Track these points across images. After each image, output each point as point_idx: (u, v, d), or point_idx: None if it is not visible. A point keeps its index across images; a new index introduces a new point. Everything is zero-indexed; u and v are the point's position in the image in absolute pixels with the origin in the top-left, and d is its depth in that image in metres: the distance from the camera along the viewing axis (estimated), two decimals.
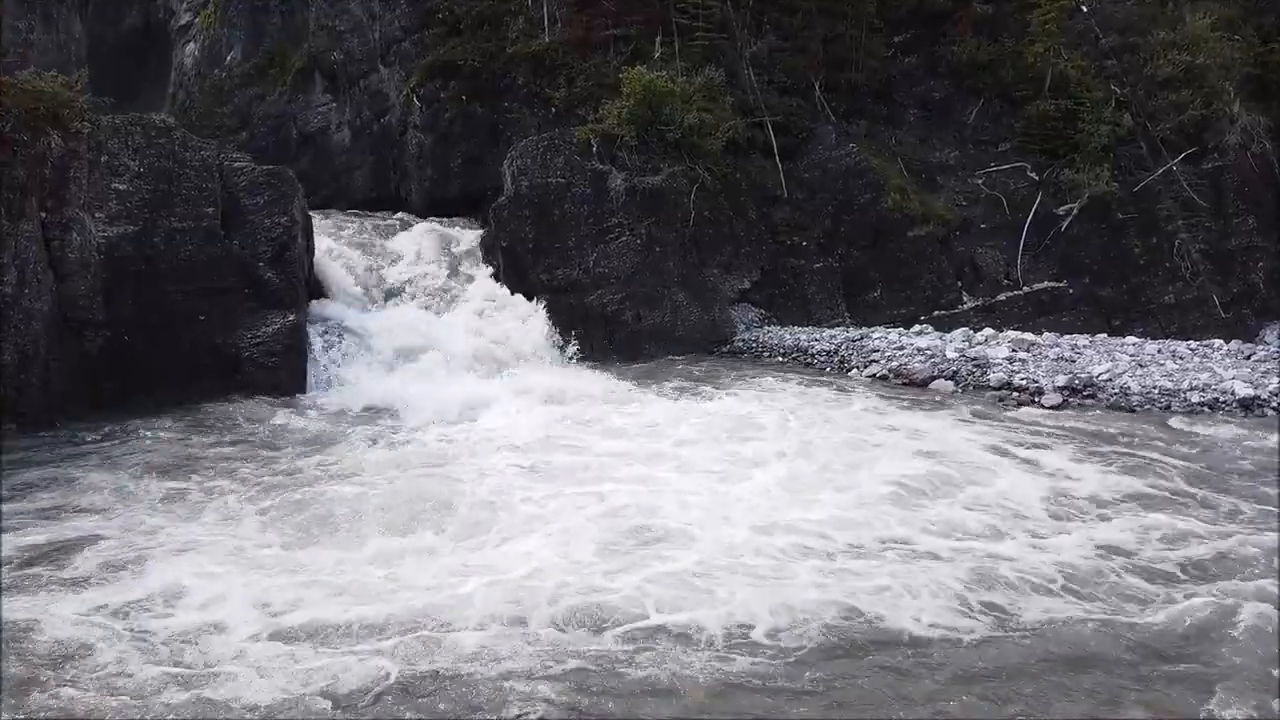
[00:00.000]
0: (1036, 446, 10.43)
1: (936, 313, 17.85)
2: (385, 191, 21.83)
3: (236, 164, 14.39)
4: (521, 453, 9.56)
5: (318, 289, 15.24)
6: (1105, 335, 15.90)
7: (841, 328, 16.92)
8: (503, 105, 19.70)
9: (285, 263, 13.87)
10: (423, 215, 20.00)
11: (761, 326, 17.20)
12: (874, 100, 20.45)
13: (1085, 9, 20.97)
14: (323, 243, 15.93)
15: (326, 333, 13.95)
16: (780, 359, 15.82)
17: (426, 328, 14.46)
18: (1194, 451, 10.51)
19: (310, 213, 18.86)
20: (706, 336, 16.70)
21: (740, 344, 16.61)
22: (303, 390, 13.06)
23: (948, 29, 20.91)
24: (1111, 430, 11.30)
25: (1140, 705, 5.23)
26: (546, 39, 19.53)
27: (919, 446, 9.98)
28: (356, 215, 19.42)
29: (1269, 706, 5.21)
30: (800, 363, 15.52)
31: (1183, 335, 17.17)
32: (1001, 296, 17.98)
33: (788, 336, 16.31)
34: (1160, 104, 18.80)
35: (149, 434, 10.59)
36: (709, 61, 18.83)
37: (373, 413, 11.84)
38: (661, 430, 10.44)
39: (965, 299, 18.09)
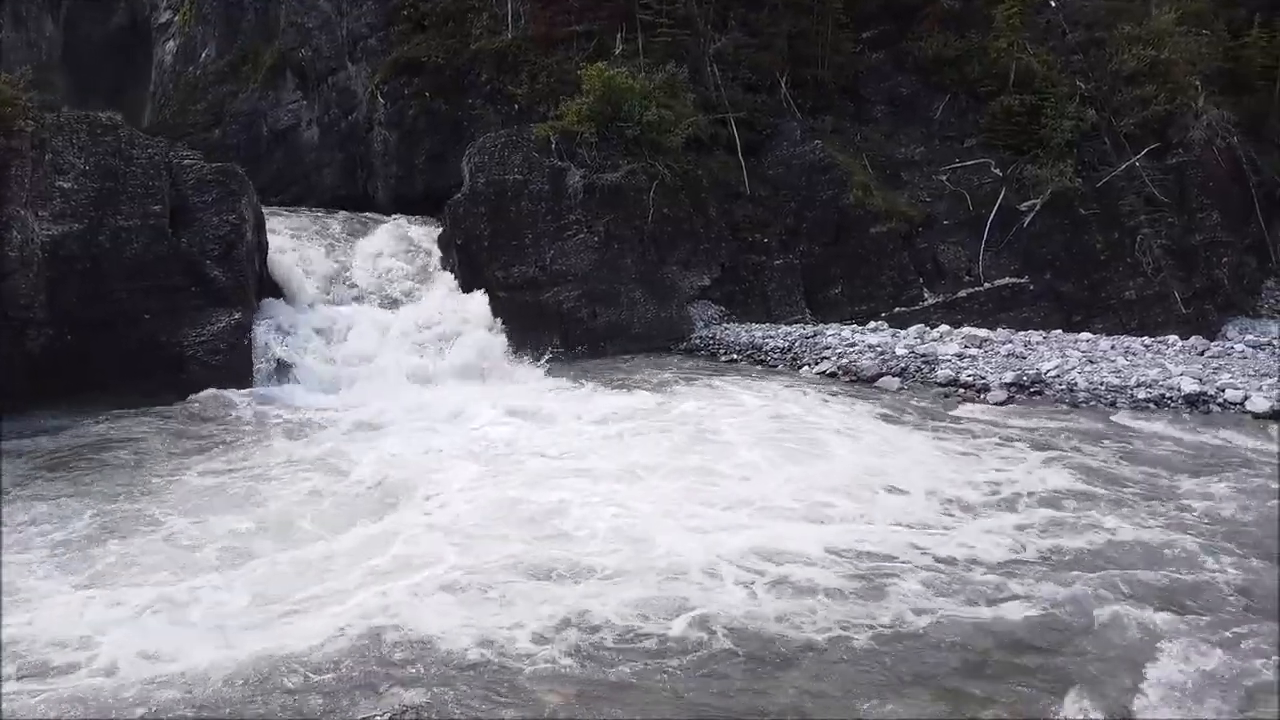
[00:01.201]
0: (942, 438, 10.45)
1: (898, 309, 17.82)
2: (353, 189, 21.81)
3: (185, 161, 14.37)
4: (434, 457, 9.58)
5: (271, 287, 15.23)
6: (1060, 331, 15.88)
7: (799, 325, 16.88)
8: (466, 102, 19.68)
9: (233, 261, 13.86)
10: (389, 213, 19.99)
11: (721, 324, 17.16)
12: (841, 96, 20.41)
13: (1053, 3, 20.92)
14: (278, 240, 15.92)
15: (275, 331, 13.91)
16: (735, 356, 15.79)
17: (376, 326, 14.42)
18: (1125, 447, 10.49)
19: (275, 210, 19.10)
20: (664, 334, 16.67)
21: (698, 341, 16.58)
22: (248, 388, 13.03)
23: (915, 25, 20.85)
24: (1050, 426, 11.29)
25: (997, 704, 5.21)
26: (510, 35, 19.49)
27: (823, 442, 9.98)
28: (320, 213, 19.41)
29: (1121, 704, 5.19)
30: (754, 360, 15.50)
31: (1143, 331, 17.15)
32: (963, 293, 17.94)
33: (744, 334, 16.28)
34: (1124, 99, 18.75)
35: (66, 433, 10.61)
36: (672, 58, 18.78)
37: (308, 413, 11.81)
38: (562, 425, 10.49)
39: (927, 295, 18.05)
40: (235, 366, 13.13)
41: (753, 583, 6.64)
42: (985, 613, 6.29)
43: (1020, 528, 7.86)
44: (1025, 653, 5.76)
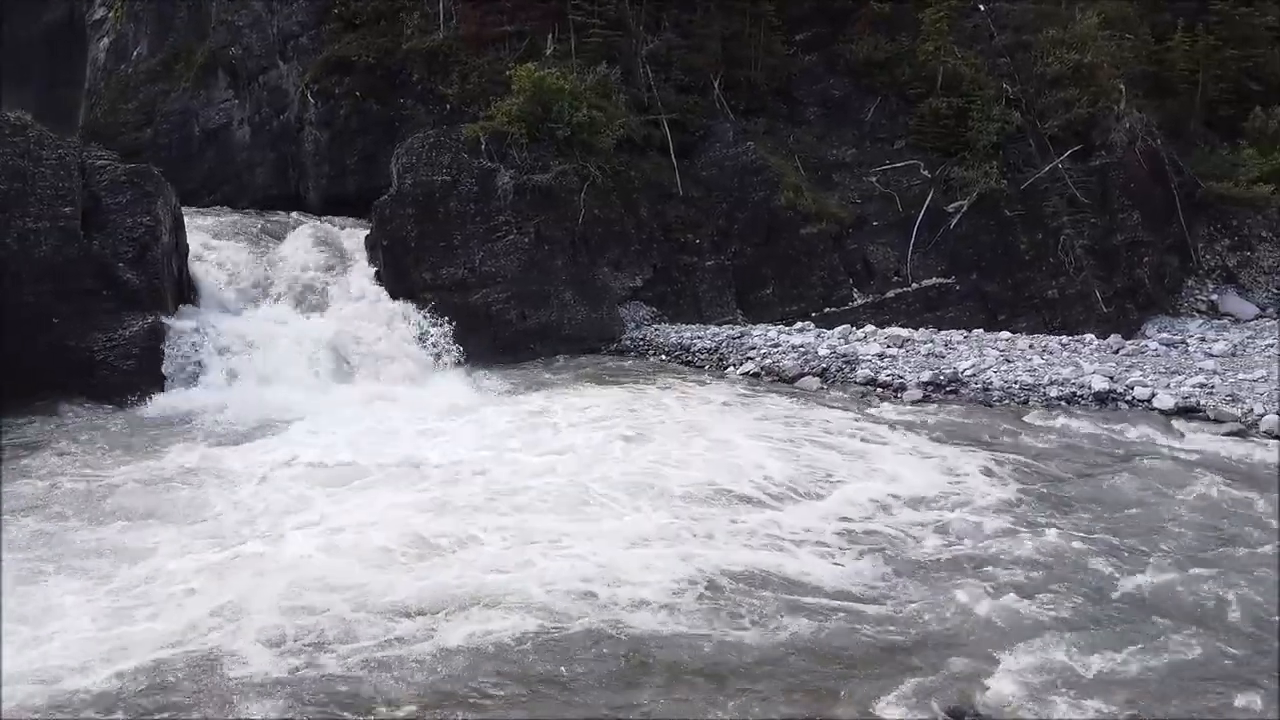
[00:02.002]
0: (830, 435, 10.59)
1: (828, 310, 17.98)
2: (285, 189, 21.54)
3: (99, 162, 14.11)
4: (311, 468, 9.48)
5: (191, 290, 15.02)
6: (981, 331, 16.14)
7: (730, 326, 16.97)
8: (398, 102, 19.53)
9: (147, 263, 13.63)
10: (321, 213, 19.80)
11: (652, 325, 17.20)
12: (774, 98, 20.54)
13: (981, 8, 21.24)
14: (200, 242, 15.70)
15: (191, 335, 13.68)
16: (664, 357, 15.85)
17: (296, 329, 14.26)
18: (1021, 444, 10.70)
19: (201, 211, 18.83)
20: (594, 335, 16.66)
21: (628, 342, 16.61)
22: (160, 392, 12.82)
23: (848, 27, 21.05)
24: (956, 423, 11.49)
25: (848, 701, 5.28)
26: (441, 35, 19.36)
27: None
28: (249, 214, 19.18)
29: (966, 696, 5.29)
30: (682, 360, 15.57)
31: (1065, 329, 17.49)
32: (891, 293, 18.16)
33: (673, 334, 16.34)
34: (1048, 102, 19.09)
35: None
36: (604, 59, 18.77)
37: (214, 418, 11.66)
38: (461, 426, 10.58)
39: (856, 296, 18.25)
40: (148, 371, 12.92)
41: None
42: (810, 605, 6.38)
43: (907, 525, 7.98)
44: (872, 648, 5.85)
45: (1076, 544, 7.61)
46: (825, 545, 7.49)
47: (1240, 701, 5.43)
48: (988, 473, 9.49)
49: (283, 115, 21.63)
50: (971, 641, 6.04)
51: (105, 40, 27.98)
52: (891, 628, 6.15)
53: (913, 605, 6.44)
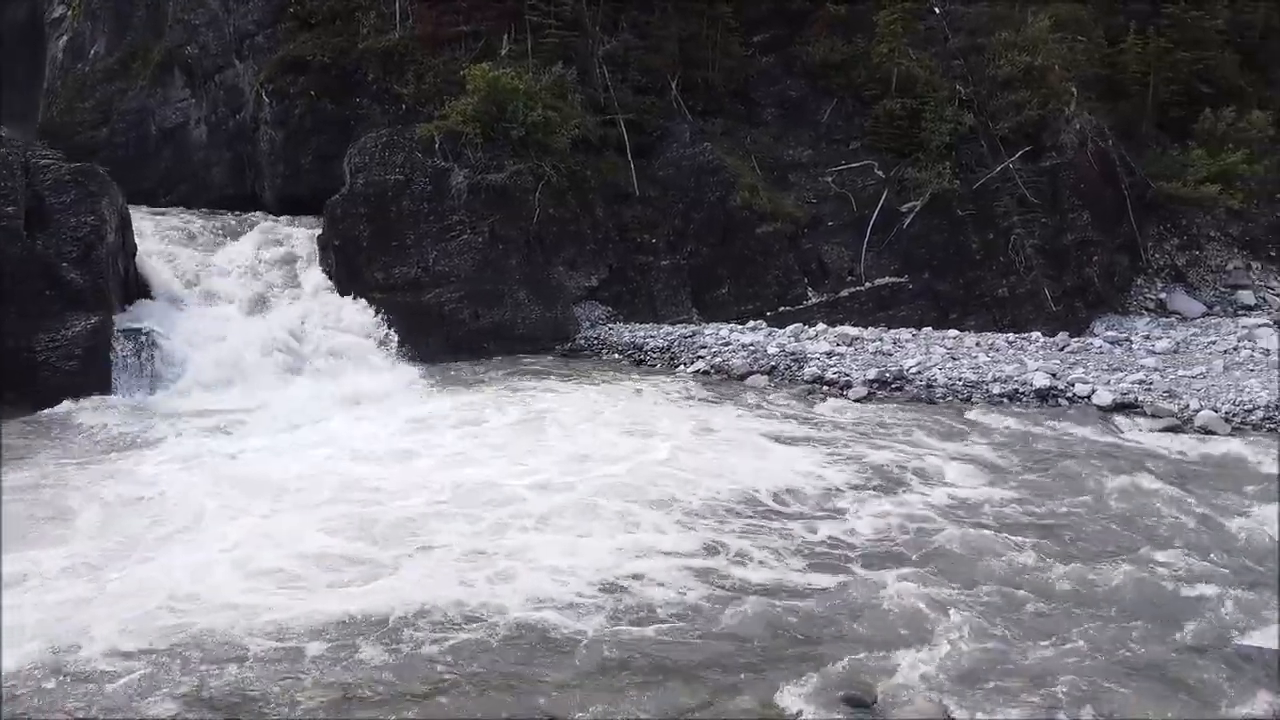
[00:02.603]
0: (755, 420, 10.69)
1: (783, 309, 18.09)
2: (242, 189, 21.41)
3: (43, 161, 13.97)
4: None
5: (141, 289, 14.91)
6: (930, 329, 16.33)
7: (685, 325, 17.06)
8: (354, 101, 19.45)
9: (92, 263, 13.50)
10: (277, 213, 19.69)
11: (607, 324, 17.26)
12: (732, 99, 20.64)
13: (936, 10, 21.45)
14: (149, 242, 15.58)
15: (137, 335, 13.59)
16: (618, 356, 15.91)
17: (246, 329, 14.19)
18: (956, 440, 10.85)
19: (154, 211, 18.69)
20: (549, 334, 16.69)
21: (582, 342, 16.65)
22: (106, 393, 12.72)
23: (805, 29, 21.19)
24: (892, 420, 11.63)
25: (744, 693, 5.36)
26: (397, 35, 19.31)
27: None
28: (202, 213, 19.06)
29: (866, 685, 5.38)
30: (634, 360, 15.64)
31: (1016, 327, 17.72)
32: (845, 292, 18.30)
33: (626, 334, 16.41)
34: (1000, 103, 19.30)
35: None
36: (561, 59, 18.80)
37: (156, 420, 11.59)
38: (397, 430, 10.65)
39: (811, 295, 18.37)
40: (92, 372, 12.80)
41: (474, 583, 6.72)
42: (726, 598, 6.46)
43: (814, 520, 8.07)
44: (784, 640, 5.94)
45: (999, 537, 7.75)
46: (737, 539, 7.57)
47: (1141, 689, 5.55)
48: (917, 469, 9.62)
49: (239, 114, 21.50)
50: (885, 633, 6.15)
51: (63, 39, 27.68)
52: (806, 620, 6.24)
53: (828, 598, 6.54)
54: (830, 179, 19.43)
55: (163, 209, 19.62)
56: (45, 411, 11.88)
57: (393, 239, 16.31)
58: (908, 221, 18.70)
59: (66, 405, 12.05)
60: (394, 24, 19.56)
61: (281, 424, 11.31)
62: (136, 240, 15.34)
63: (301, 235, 16.93)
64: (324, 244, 16.39)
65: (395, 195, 16.50)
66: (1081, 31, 22.04)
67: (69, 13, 27.68)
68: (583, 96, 18.67)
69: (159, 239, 16.04)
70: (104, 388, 12.80)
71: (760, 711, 5.15)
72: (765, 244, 18.49)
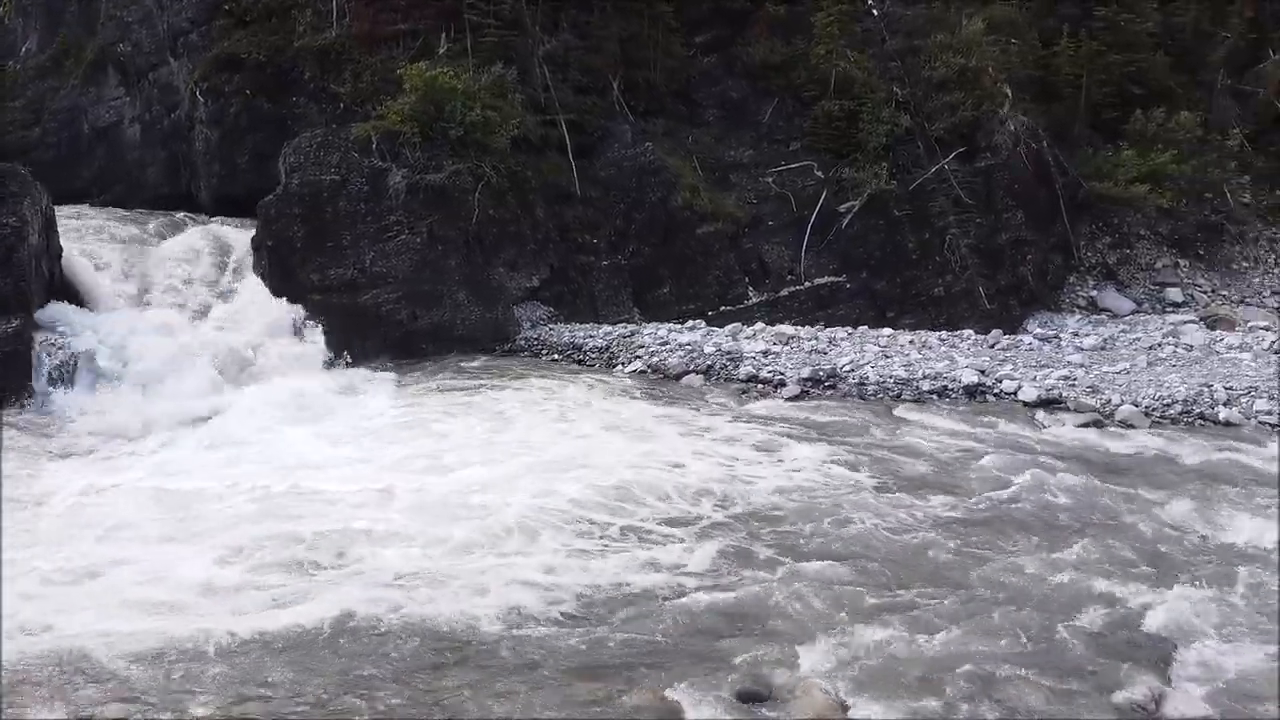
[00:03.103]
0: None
1: (724, 308, 18.22)
2: (178, 189, 21.11)
3: None
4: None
5: (67, 292, 14.61)
6: (866, 328, 16.55)
7: (625, 324, 17.09)
8: (290, 100, 19.25)
9: (13, 265, 13.23)
10: (213, 214, 19.43)
11: (548, 325, 17.25)
12: (674, 99, 20.72)
13: (875, 12, 21.74)
14: (77, 243, 15.29)
15: (60, 339, 13.32)
16: (557, 356, 15.91)
17: (173, 331, 13.97)
18: (879, 435, 11.02)
19: (82, 212, 18.34)
20: (489, 335, 16.63)
21: (523, 342, 16.62)
22: (25, 397, 12.44)
23: (746, 30, 21.34)
24: (818, 417, 11.77)
25: (639, 688, 5.41)
26: (334, 33, 19.13)
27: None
28: (138, 214, 18.75)
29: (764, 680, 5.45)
30: (574, 359, 15.65)
31: (951, 325, 18.00)
32: (785, 291, 18.48)
33: (566, 334, 16.42)
34: (936, 104, 19.60)
35: None
36: (501, 59, 18.73)
37: (73, 427, 11.38)
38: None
39: (751, 294, 18.53)
40: (12, 377, 12.52)
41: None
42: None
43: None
44: (686, 634, 5.99)
45: (907, 531, 7.88)
46: (647, 534, 7.63)
47: (1032, 678, 5.68)
48: (830, 464, 9.76)
49: (174, 113, 21.17)
50: (787, 628, 6.23)
51: None
52: (710, 617, 6.30)
53: (732, 594, 6.61)
54: (771, 179, 19.59)
55: (95, 210, 19.27)
56: None
57: (328, 240, 16.15)
58: (846, 221, 18.93)
59: None
60: (331, 22, 19.38)
61: (204, 431, 11.12)
62: (63, 242, 15.05)
63: (235, 236, 16.72)
64: (257, 245, 16.17)
65: (331, 196, 16.33)
66: (1016, 34, 22.48)
67: (1, 10, 27.07)
68: (523, 96, 18.60)
69: (88, 240, 15.74)
70: (23, 392, 12.53)
71: (654, 706, 5.20)
72: (706, 244, 18.60)
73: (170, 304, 14.87)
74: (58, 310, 13.96)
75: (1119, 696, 5.38)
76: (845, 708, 5.25)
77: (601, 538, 7.55)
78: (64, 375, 12.93)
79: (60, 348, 13.15)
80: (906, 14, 21.67)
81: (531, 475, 8.89)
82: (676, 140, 20.15)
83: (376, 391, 13.11)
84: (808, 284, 18.57)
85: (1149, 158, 20.99)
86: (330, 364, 14.59)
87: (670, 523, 7.96)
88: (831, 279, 18.64)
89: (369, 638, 5.88)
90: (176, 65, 21.02)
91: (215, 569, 6.98)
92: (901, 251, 18.87)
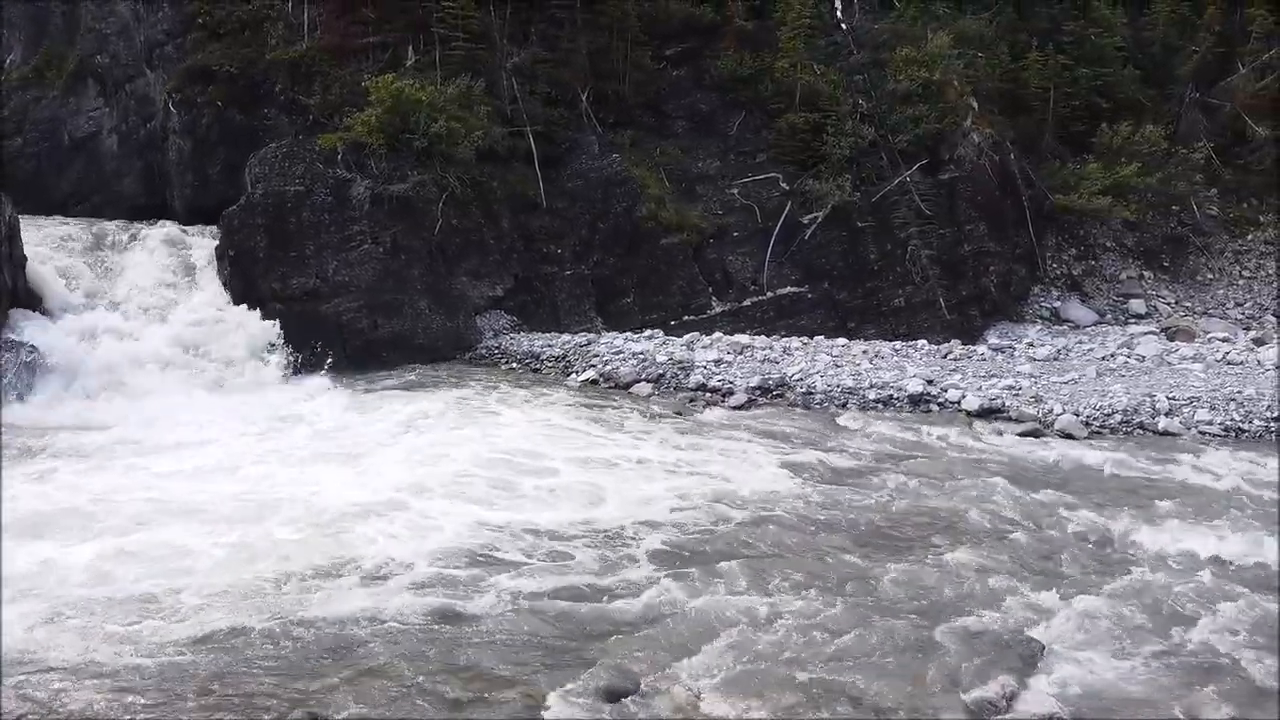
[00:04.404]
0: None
1: (687, 318, 18.42)
2: (154, 199, 21.27)
3: None
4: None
5: (29, 299, 14.83)
6: (822, 338, 16.72)
7: (586, 334, 17.28)
8: (261, 112, 19.45)
9: None
10: (187, 223, 19.62)
11: (510, 334, 17.44)
12: (643, 111, 20.97)
13: (844, 26, 22.00)
14: (40, 251, 15.52)
15: (19, 345, 13.52)
16: (515, 365, 16.10)
17: (134, 338, 14.20)
18: (815, 443, 11.17)
19: (51, 220, 18.57)
20: (450, 344, 16.84)
21: (484, 351, 16.83)
22: None
23: (715, 43, 21.59)
24: (758, 425, 11.94)
25: (522, 684, 5.56)
26: (304, 45, 19.39)
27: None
28: (113, 223, 18.95)
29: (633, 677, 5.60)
30: (531, 368, 15.85)
31: (912, 336, 18.15)
32: (748, 301, 18.68)
33: (525, 343, 16.62)
34: (899, 117, 19.82)
35: None
36: (468, 71, 18.99)
37: (23, 431, 11.53)
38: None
39: (715, 304, 18.73)
40: None
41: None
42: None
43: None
44: (574, 638, 6.14)
45: (810, 536, 8.04)
46: (556, 539, 7.80)
47: (893, 678, 5.83)
48: (759, 468, 9.92)
49: (150, 124, 21.40)
50: (670, 630, 6.38)
51: None
52: (595, 619, 6.46)
53: (623, 598, 6.76)
54: (736, 191, 19.81)
55: (66, 219, 19.49)
56: None
57: (291, 249, 16.38)
58: (809, 233, 19.14)
59: None
60: (302, 35, 19.63)
61: (158, 439, 11.26)
62: (28, 250, 15.28)
63: (201, 245, 16.95)
64: (220, 254, 16.41)
65: (295, 206, 16.57)
66: (984, 48, 22.73)
67: None
68: (490, 108, 18.85)
69: (53, 248, 16.01)
70: None
71: (522, 703, 5.36)
72: (670, 254, 18.81)
73: (132, 311, 15.05)
74: (19, 318, 14.16)
75: (973, 694, 5.53)
76: (701, 702, 5.40)
77: (483, 538, 7.71)
78: (20, 381, 13.11)
79: (18, 355, 13.33)
80: (873, 28, 21.96)
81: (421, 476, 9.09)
82: (644, 151, 20.38)
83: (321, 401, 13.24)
84: (770, 294, 18.77)
85: (1114, 171, 21.19)
86: (288, 371, 14.75)
87: (569, 528, 8.12)
88: (794, 289, 18.84)
89: (239, 635, 6.04)
90: (153, 77, 21.27)
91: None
92: (863, 262, 19.07)
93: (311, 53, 19.34)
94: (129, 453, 10.25)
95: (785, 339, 16.45)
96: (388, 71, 18.31)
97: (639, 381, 14.29)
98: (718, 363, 14.92)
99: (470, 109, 18.41)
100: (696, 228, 19.15)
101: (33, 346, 13.64)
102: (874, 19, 22.36)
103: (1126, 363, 15.98)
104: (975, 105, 21.18)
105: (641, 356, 15.10)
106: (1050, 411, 13.04)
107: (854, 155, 19.49)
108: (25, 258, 15.13)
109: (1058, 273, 21.32)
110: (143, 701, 5.22)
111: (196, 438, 10.99)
